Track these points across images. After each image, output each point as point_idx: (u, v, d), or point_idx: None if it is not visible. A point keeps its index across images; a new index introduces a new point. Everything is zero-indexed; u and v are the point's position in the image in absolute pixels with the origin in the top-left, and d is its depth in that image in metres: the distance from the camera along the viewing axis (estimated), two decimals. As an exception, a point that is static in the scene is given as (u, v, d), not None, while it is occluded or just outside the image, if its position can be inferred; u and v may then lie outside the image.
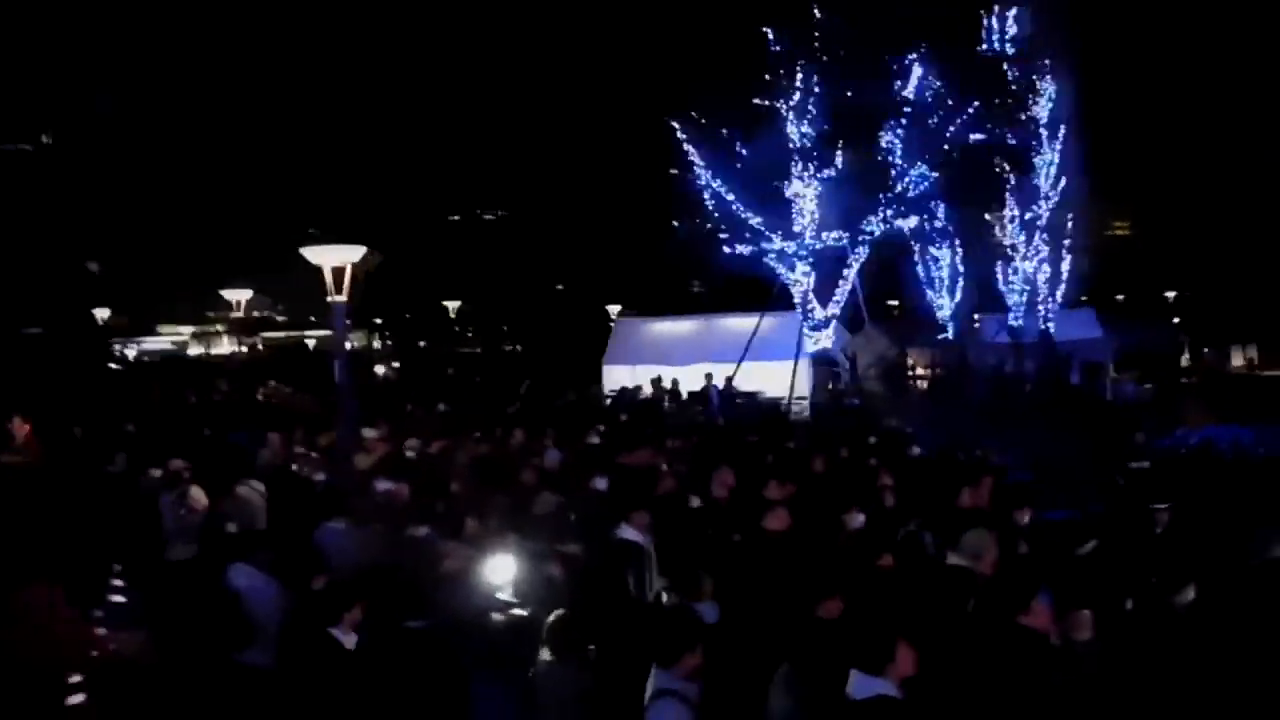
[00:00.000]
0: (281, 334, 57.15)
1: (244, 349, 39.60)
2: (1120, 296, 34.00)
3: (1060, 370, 23.32)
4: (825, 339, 22.72)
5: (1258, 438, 18.17)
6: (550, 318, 44.67)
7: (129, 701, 5.98)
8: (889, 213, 21.20)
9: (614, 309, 41.61)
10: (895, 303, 31.94)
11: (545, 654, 6.77)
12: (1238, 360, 31.62)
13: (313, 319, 50.21)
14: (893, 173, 21.07)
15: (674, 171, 22.18)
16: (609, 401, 22.71)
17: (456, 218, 62.84)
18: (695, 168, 22.46)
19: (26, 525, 8.71)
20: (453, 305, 39.80)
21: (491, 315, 50.67)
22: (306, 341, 48.07)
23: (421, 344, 50.93)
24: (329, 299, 12.69)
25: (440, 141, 49.59)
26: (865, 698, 5.23)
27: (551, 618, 6.71)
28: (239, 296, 34.09)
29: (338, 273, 12.46)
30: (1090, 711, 5.99)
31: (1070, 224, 26.98)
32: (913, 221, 21.92)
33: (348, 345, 15.91)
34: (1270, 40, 28.42)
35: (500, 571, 7.56)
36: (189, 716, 6.37)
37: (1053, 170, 26.04)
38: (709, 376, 22.77)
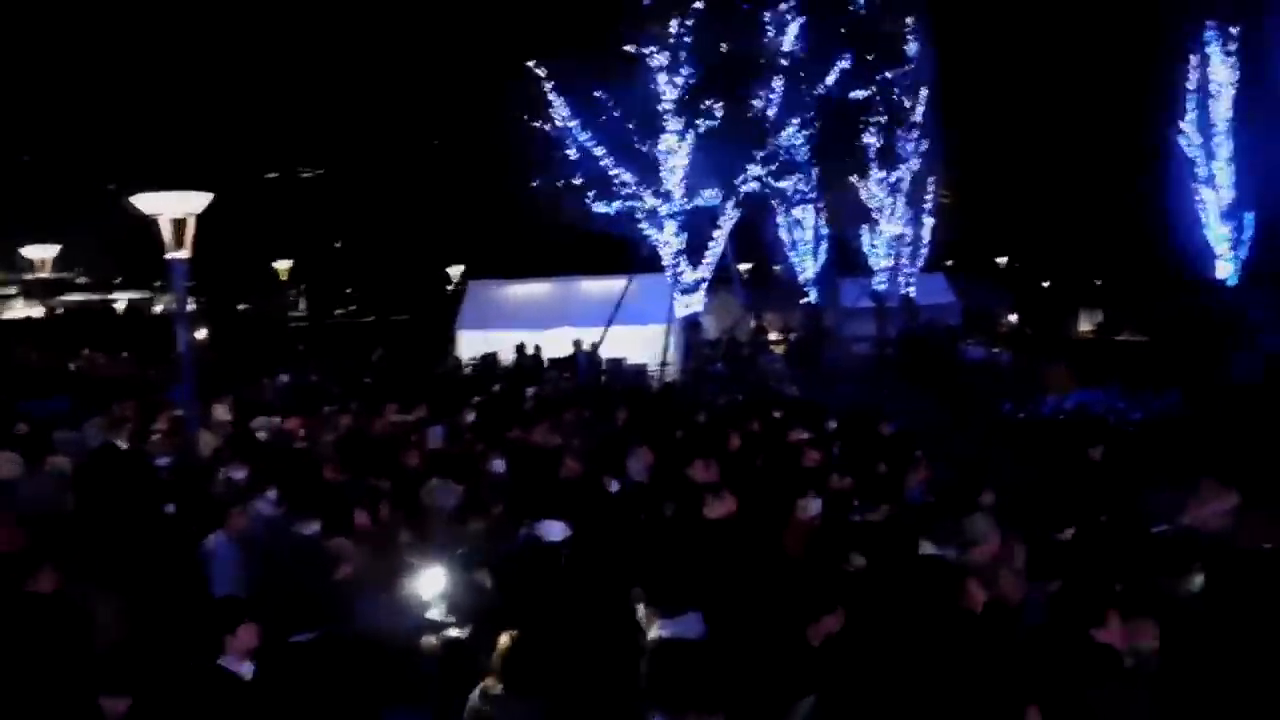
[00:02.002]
0: (81, 296, 52.07)
1: (44, 312, 35.58)
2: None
3: (936, 336, 23.25)
4: (696, 302, 21.82)
5: (1128, 402, 18.44)
6: (390, 280, 41.98)
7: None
8: (763, 171, 20.36)
9: (455, 270, 39.70)
10: (749, 266, 31.40)
11: (493, 685, 5.42)
12: (1085, 325, 32.85)
13: (119, 279, 45.89)
14: (768, 128, 20.16)
15: (539, 124, 20.63)
16: (471, 370, 21.16)
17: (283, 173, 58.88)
18: (557, 118, 21.00)
19: None
20: (283, 266, 36.76)
21: (323, 278, 47.47)
22: (113, 305, 43.87)
23: (242, 307, 47.41)
24: (167, 255, 10.81)
25: (258, 86, 45.27)
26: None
27: (504, 640, 5.39)
28: (43, 254, 30.33)
29: (178, 225, 10.59)
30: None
31: (931, 187, 27.01)
32: (787, 182, 21.16)
33: (157, 309, 13.91)
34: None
35: (429, 584, 6.22)
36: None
37: (915, 133, 25.90)
38: (577, 343, 21.56)
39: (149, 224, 10.66)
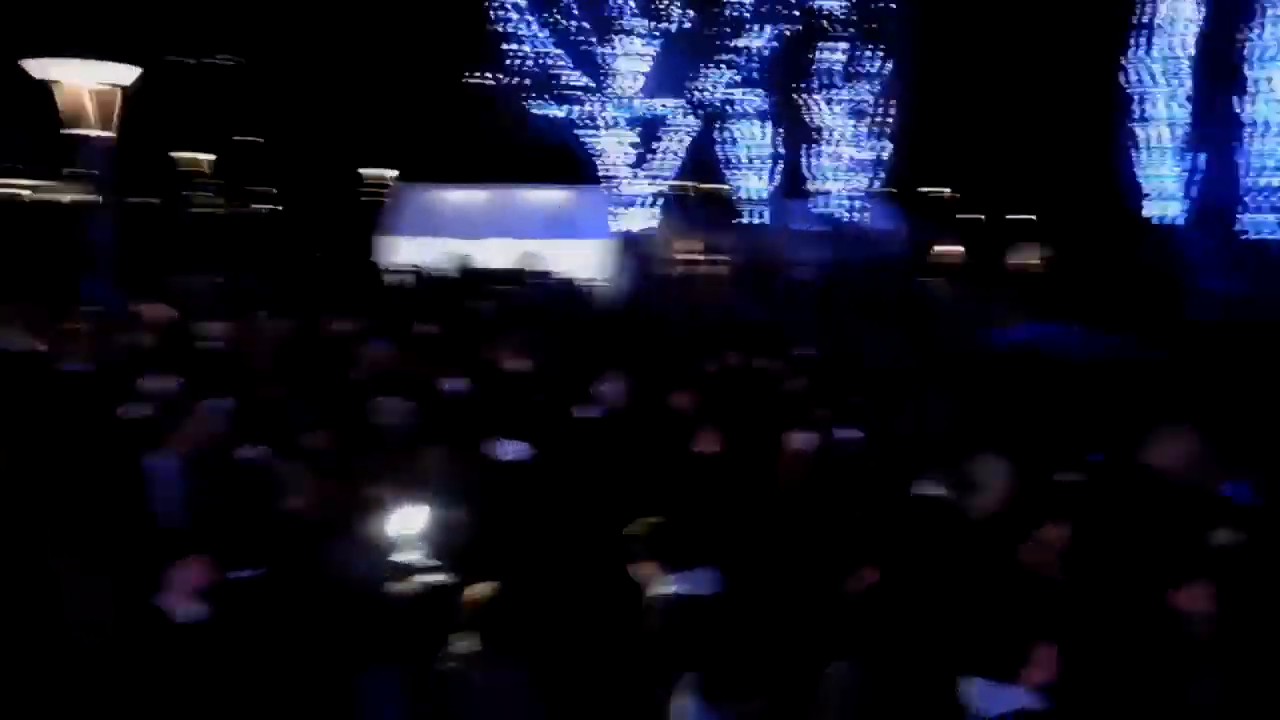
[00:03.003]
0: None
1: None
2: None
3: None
4: (646, 218, 20.94)
5: (1073, 336, 18.30)
6: (312, 179, 39.74)
7: None
8: (730, 78, 19.37)
9: (374, 172, 37.91)
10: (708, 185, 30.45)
11: (471, 642, 4.67)
12: (1027, 258, 32.66)
13: (20, 165, 42.70)
14: (737, 32, 19.10)
15: (497, 14, 19.24)
16: (406, 279, 20.00)
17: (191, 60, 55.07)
18: (507, 9, 19.66)
19: None
20: (203, 159, 34.34)
21: (239, 173, 44.84)
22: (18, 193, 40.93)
23: (150, 200, 44.68)
24: (84, 131, 9.59)
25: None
26: (1003, 713, 3.80)
27: (480, 590, 4.63)
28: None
29: (103, 101, 9.37)
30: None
31: (892, 110, 26.22)
32: (754, 95, 20.21)
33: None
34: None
35: (404, 522, 5.44)
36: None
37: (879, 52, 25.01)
38: (527, 255, 20.58)
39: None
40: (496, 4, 19.81)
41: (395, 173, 36.29)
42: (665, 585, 5.17)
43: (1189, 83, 27.46)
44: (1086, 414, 11.03)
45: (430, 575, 5.39)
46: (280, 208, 42.04)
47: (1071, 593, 5.32)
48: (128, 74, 9.56)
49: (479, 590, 4.40)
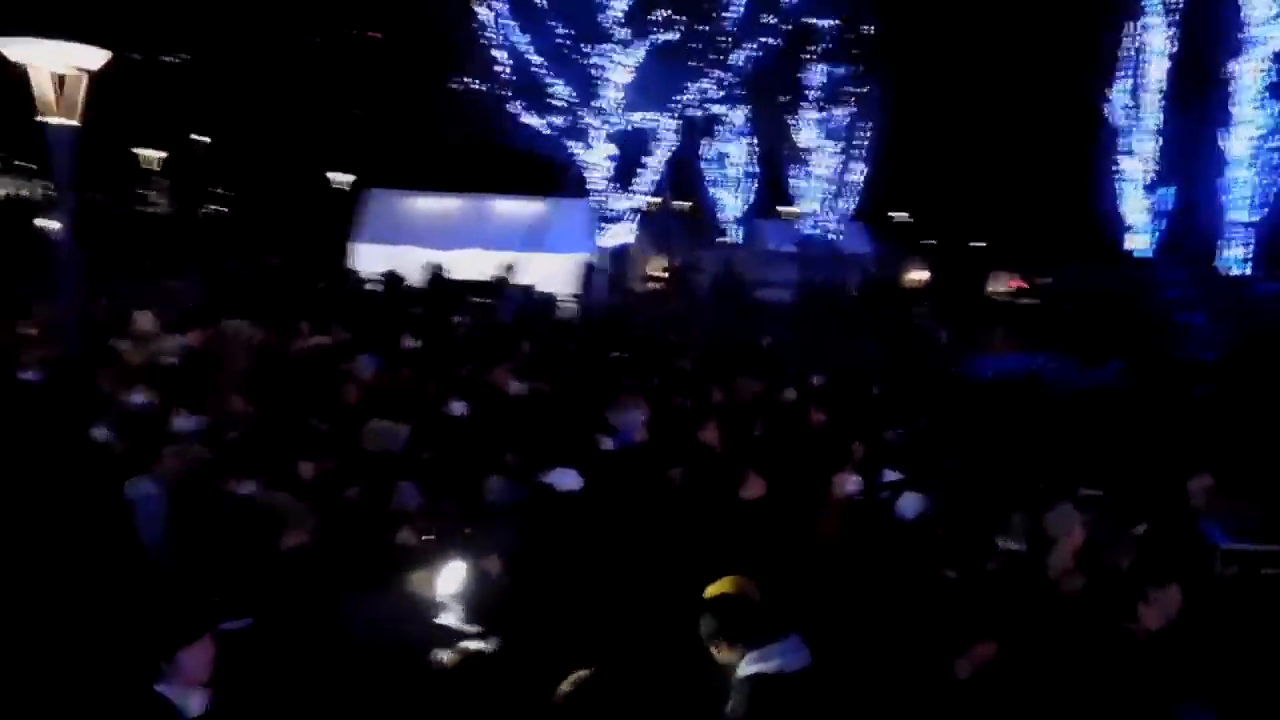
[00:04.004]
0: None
1: None
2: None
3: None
4: (627, 234, 20.26)
5: (1065, 366, 18.02)
6: (269, 181, 38.26)
7: None
8: (716, 94, 18.79)
9: (337, 176, 36.72)
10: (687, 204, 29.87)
11: None
12: (1000, 287, 32.61)
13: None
14: (726, 47, 18.51)
15: (476, 18, 18.48)
16: (376, 289, 19.07)
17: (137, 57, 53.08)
18: (490, 13, 18.93)
19: None
20: (155, 155, 32.85)
21: (190, 172, 43.18)
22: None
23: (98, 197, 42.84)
24: (44, 119, 8.67)
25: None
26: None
27: (571, 682, 3.90)
28: None
29: (69, 86, 8.47)
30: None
31: (869, 132, 25.88)
32: (738, 111, 19.67)
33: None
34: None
35: (449, 581, 4.69)
36: None
37: (858, 73, 24.68)
38: (509, 268, 19.75)
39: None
40: (476, 7, 18.94)
41: (353, 178, 35.21)
42: (750, 664, 4.46)
43: (1160, 116, 27.54)
44: (1083, 445, 10.69)
45: (472, 641, 4.62)
46: (228, 209, 40.61)
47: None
48: (96, 58, 8.67)
49: (572, 680, 3.63)
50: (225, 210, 40.88)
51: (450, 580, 4.66)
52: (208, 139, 45.43)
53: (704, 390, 9.61)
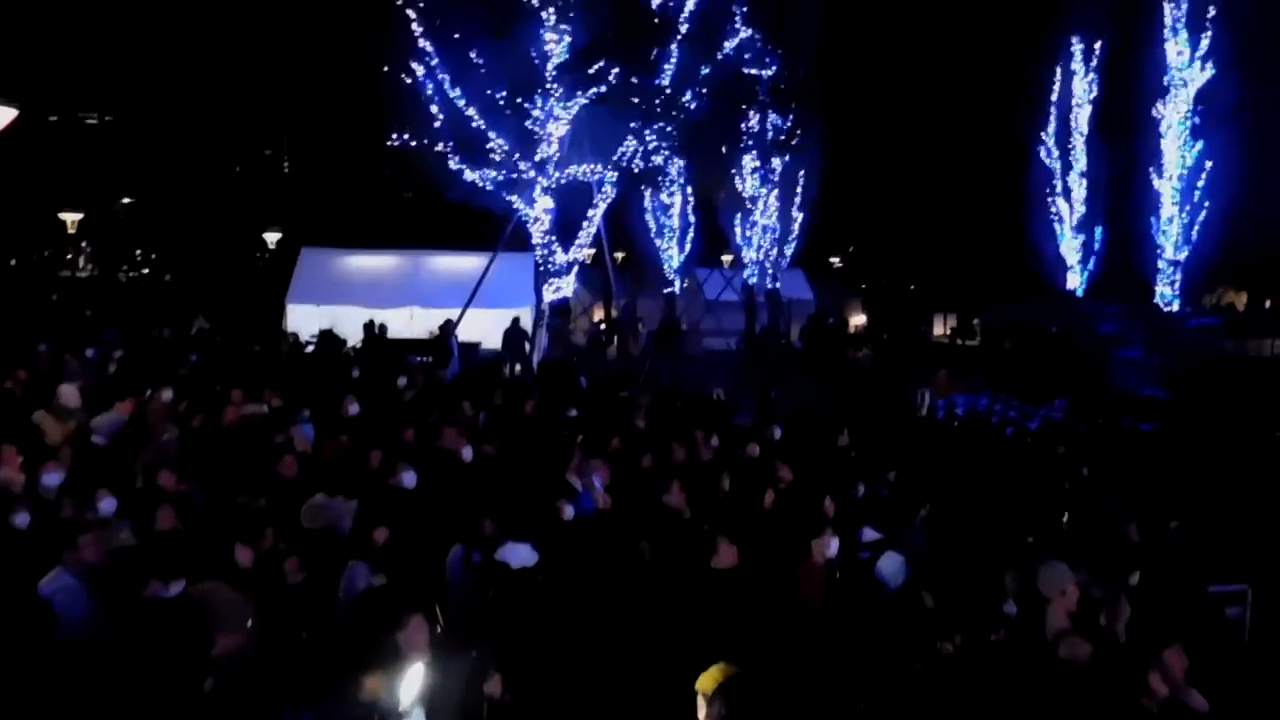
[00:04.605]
0: None
1: None
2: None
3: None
4: (567, 286, 19.90)
5: (1011, 406, 18.06)
6: (194, 241, 37.07)
7: None
8: (656, 144, 18.60)
9: (273, 236, 35.99)
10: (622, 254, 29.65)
11: None
12: (939, 329, 32.88)
13: None
14: (663, 99, 18.36)
15: (418, 69, 18.07)
16: (311, 348, 18.41)
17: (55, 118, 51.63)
18: (426, 69, 18.59)
19: None
20: (71, 218, 31.74)
21: (111, 234, 41.78)
22: None
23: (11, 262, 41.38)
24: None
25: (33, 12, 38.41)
26: None
27: None
28: None
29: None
30: None
31: (801, 179, 25.95)
32: (675, 162, 19.49)
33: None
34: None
35: (409, 686, 4.19)
36: None
37: (788, 122, 24.73)
38: (449, 323, 19.24)
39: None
40: (412, 63, 18.61)
41: (279, 235, 34.46)
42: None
43: (1084, 159, 28.17)
44: (1050, 491, 10.53)
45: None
46: (151, 271, 39.49)
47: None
48: (4, 114, 8.13)
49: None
50: (149, 272, 39.71)
51: (411, 685, 4.16)
52: (129, 199, 44.36)
53: (664, 449, 9.20)
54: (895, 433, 14.66)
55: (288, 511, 7.70)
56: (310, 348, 18.26)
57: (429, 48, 18.32)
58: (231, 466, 8.53)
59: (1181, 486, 11.01)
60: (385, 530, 6.86)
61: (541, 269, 20.36)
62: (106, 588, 5.83)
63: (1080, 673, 5.34)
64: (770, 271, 25.43)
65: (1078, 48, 27.15)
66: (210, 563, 6.11)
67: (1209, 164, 25.46)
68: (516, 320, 19.64)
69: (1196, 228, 25.94)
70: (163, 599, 5.66)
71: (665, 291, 25.30)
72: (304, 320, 21.99)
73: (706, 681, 4.11)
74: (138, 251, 41.10)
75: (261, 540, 6.59)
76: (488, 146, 19.25)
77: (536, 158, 19.09)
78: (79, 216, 31.31)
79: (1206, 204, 25.70)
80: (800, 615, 6.21)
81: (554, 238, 19.79)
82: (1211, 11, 24.80)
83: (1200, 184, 25.68)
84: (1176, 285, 26.49)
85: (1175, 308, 26.79)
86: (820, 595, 6.48)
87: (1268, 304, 36.98)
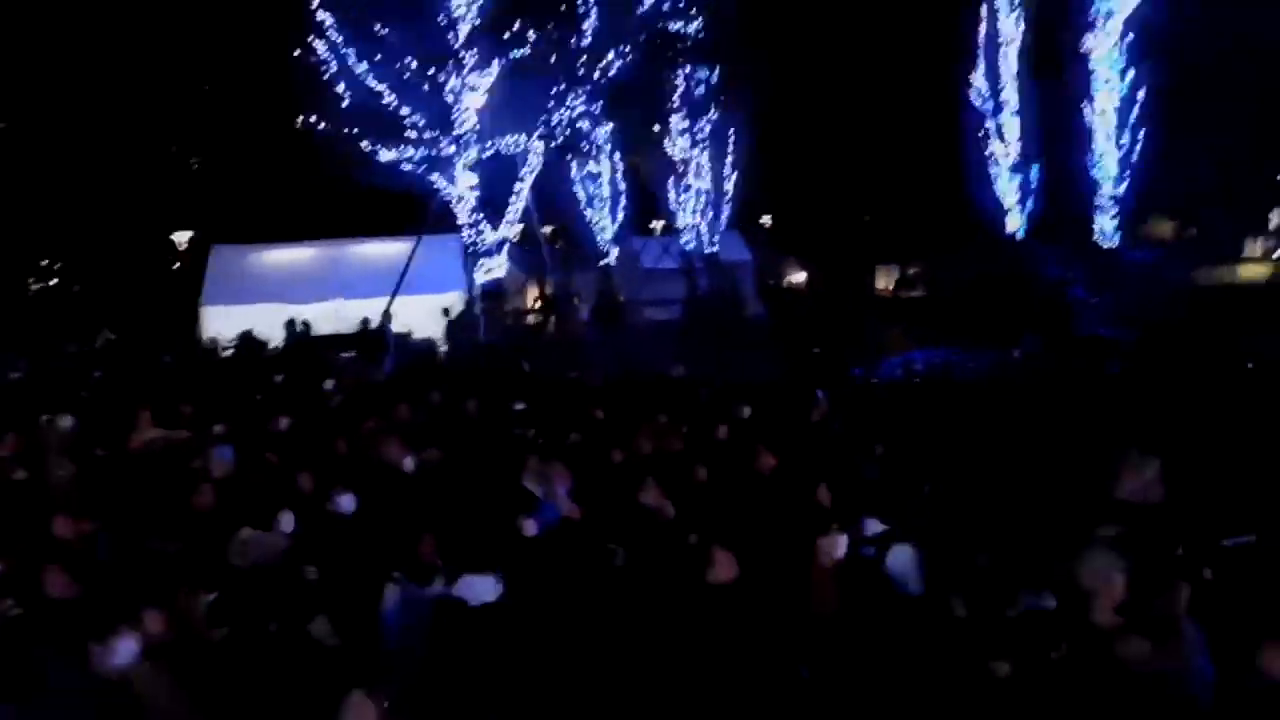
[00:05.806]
0: None
1: None
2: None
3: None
4: (499, 267, 18.84)
5: (970, 357, 17.49)
6: (95, 245, 34.85)
7: None
8: (583, 109, 17.55)
9: (183, 236, 34.06)
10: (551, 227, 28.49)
11: None
12: (881, 284, 32.31)
13: None
14: (585, 60, 17.28)
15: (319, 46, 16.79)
16: (230, 354, 17.12)
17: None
18: (329, 45, 17.33)
19: None
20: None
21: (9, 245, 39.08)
22: None
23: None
24: None
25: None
26: None
27: None
28: None
29: None
30: None
31: (732, 139, 24.98)
32: (603, 128, 18.48)
33: None
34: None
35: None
36: None
37: (715, 79, 23.77)
38: (388, 316, 18.08)
39: None
40: (314, 40, 17.31)
41: (190, 233, 32.58)
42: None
43: (1015, 98, 27.67)
44: (1011, 435, 9.86)
45: None
46: (57, 280, 37.29)
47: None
48: None
49: None
50: (58, 283, 37.60)
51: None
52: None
53: (628, 441, 8.30)
54: (861, 399, 13.93)
55: (208, 550, 6.71)
56: (228, 352, 16.97)
57: (330, 20, 17.02)
58: (138, 503, 7.47)
59: (1167, 429, 10.41)
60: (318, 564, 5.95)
61: (470, 250, 19.31)
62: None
63: (1148, 675, 4.61)
64: (706, 235, 24.58)
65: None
66: (116, 628, 5.09)
67: (1140, 93, 25.11)
68: (470, 304, 18.63)
69: (1134, 160, 25.61)
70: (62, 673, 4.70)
71: (600, 264, 24.29)
72: (221, 323, 20.59)
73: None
74: (43, 261, 38.71)
75: (175, 600, 5.59)
76: (403, 123, 18.09)
77: (455, 133, 17.96)
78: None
79: (1141, 134, 25.36)
80: (813, 628, 5.40)
81: (481, 216, 18.71)
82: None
83: (1133, 116, 25.35)
84: (1117, 220, 26.20)
85: (1116, 243, 26.50)
86: (832, 604, 5.65)
87: (1194, 230, 36.97)
